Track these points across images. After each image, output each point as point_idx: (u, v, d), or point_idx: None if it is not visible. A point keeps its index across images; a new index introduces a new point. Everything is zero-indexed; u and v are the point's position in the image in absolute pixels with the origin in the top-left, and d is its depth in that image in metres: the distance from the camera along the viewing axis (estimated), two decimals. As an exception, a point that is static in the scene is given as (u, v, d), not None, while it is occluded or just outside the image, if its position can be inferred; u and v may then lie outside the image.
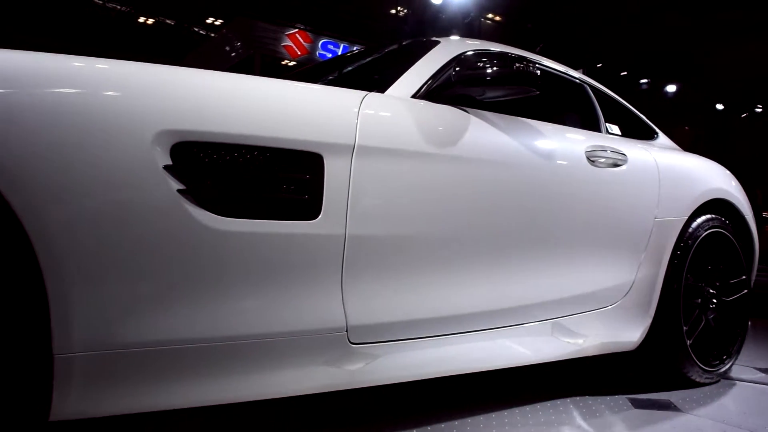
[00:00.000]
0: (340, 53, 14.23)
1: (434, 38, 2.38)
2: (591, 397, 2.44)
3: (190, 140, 1.38)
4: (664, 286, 2.58)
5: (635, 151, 2.66)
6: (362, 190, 1.61)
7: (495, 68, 1.93)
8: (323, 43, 14.59)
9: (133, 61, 1.45)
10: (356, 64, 2.70)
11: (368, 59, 2.71)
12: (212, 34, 19.48)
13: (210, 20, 19.93)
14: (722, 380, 2.81)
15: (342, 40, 14.97)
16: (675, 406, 2.38)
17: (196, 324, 1.39)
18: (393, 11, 17.75)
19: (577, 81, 2.88)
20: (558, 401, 2.36)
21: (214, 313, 1.40)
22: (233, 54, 15.61)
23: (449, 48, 2.23)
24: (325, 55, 14.36)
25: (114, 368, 1.33)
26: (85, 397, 1.31)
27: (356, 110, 1.67)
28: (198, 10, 19.37)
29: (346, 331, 1.60)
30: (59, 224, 1.23)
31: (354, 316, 1.61)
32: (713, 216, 2.81)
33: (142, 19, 19.99)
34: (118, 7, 19.29)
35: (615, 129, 2.86)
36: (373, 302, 1.66)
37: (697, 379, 2.67)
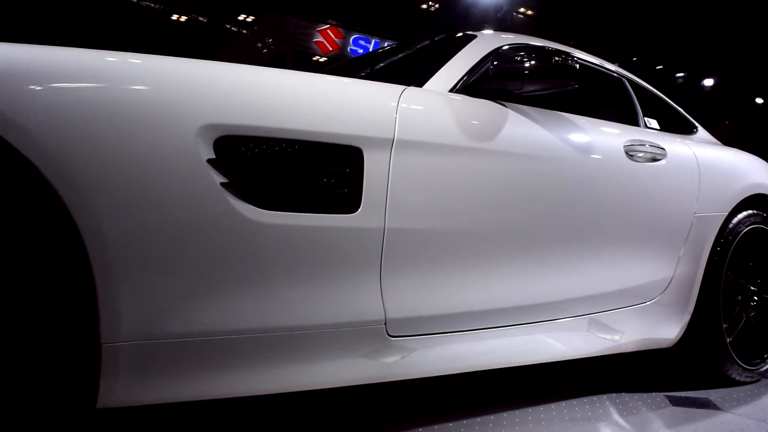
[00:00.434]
0: (371, 49, 14.24)
1: (470, 32, 2.37)
2: (627, 394, 2.41)
3: (232, 134, 1.40)
4: (704, 282, 2.54)
5: (674, 145, 2.62)
6: (401, 183, 1.62)
7: (533, 62, 1.92)
8: (354, 38, 14.60)
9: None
10: (392, 59, 2.71)
11: (403, 54, 2.71)
12: (244, 31, 19.64)
13: (242, 17, 20.11)
14: (763, 379, 2.76)
15: (373, 35, 14.97)
16: (714, 404, 2.35)
17: (239, 315, 1.41)
18: (424, 6, 17.70)
19: (615, 75, 2.85)
20: (594, 397, 2.35)
21: (256, 305, 1.43)
22: (265, 50, 15.72)
23: (486, 42, 2.22)
24: (356, 50, 14.38)
25: (159, 358, 1.35)
26: (131, 386, 1.34)
27: (395, 104, 1.68)
28: (230, 6, 19.56)
29: (385, 323, 1.62)
30: (107, 218, 1.26)
31: (392, 308, 1.62)
32: (755, 212, 2.76)
33: (175, 17, 20.24)
34: (152, 5, 19.57)
35: (653, 123, 2.83)
36: (412, 295, 1.67)
37: (737, 378, 2.62)
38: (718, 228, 2.59)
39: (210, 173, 1.35)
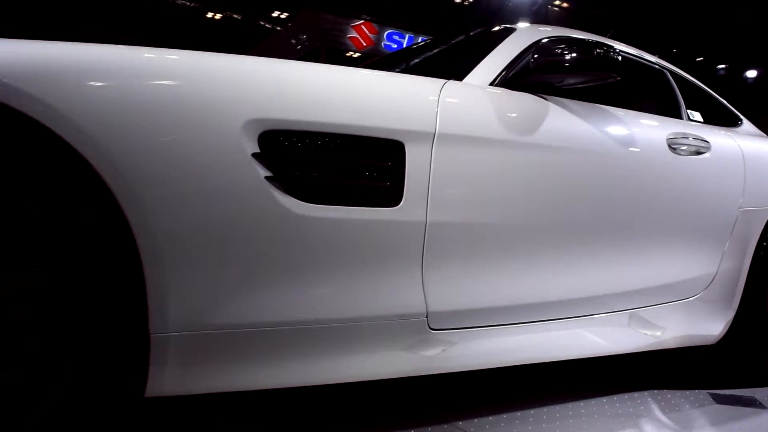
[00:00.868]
0: (405, 44, 14.21)
1: (509, 26, 2.36)
2: (669, 391, 2.38)
3: (276, 129, 1.42)
4: (749, 278, 2.48)
5: (719, 138, 2.57)
6: (442, 177, 1.62)
7: (575, 54, 1.91)
8: (388, 33, 14.59)
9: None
10: (429, 54, 2.71)
11: (440, 49, 2.71)
12: (278, 28, 19.78)
13: (276, 14, 20.24)
14: (811, 378, 2.69)
15: (407, 30, 14.94)
16: (760, 403, 2.30)
17: (283, 307, 1.43)
18: (459, 0, 17.60)
19: (656, 67, 2.80)
20: (635, 394, 2.32)
21: (300, 297, 1.45)
22: (299, 47, 15.81)
23: (526, 35, 2.21)
24: (390, 46, 14.36)
25: (205, 349, 1.38)
26: (179, 376, 1.37)
27: (436, 98, 1.68)
28: (264, 3, 19.70)
29: (427, 316, 1.62)
30: (156, 211, 1.29)
31: (434, 302, 1.63)
32: (803, 206, 2.68)
33: (210, 15, 20.48)
34: (188, 3, 19.82)
35: (697, 116, 2.77)
36: (453, 289, 1.67)
37: (784, 376, 2.56)
38: (764, 222, 2.53)
39: (255, 167, 1.38)
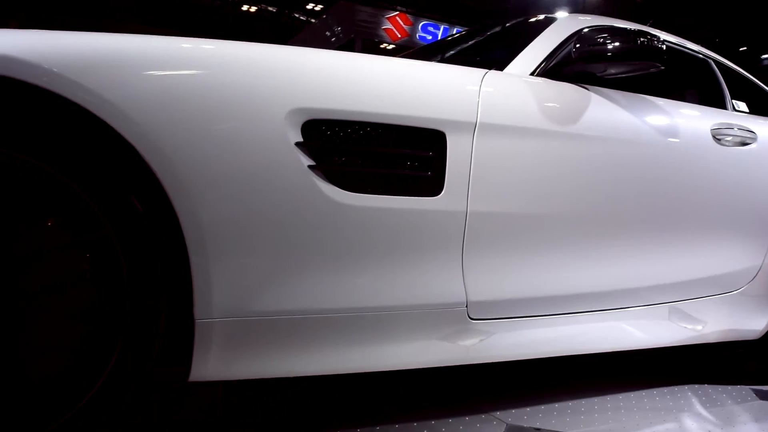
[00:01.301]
0: (440, 35, 14.12)
1: (549, 15, 2.34)
2: (710, 386, 2.35)
3: (319, 118, 1.43)
4: (796, 272, 2.42)
5: (765, 128, 2.51)
6: (483, 167, 1.62)
7: (617, 43, 1.89)
8: (423, 25, 14.52)
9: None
10: (468, 44, 2.70)
11: (479, 39, 2.70)
12: (312, 20, 19.83)
13: (310, 6, 20.29)
14: None
15: (442, 21, 14.85)
16: (805, 399, 2.25)
17: (325, 295, 1.45)
18: (493, -10, 17.41)
19: (701, 56, 2.74)
20: (675, 388, 2.29)
21: (341, 285, 1.46)
22: (333, 39, 15.84)
23: (567, 24, 2.18)
24: (425, 37, 14.29)
25: (248, 335, 1.41)
26: (222, 361, 1.39)
27: (477, 88, 1.68)
28: (299, -4, 19.77)
29: (466, 306, 1.63)
30: (202, 199, 1.31)
31: (474, 291, 1.63)
32: None
33: (245, 7, 20.62)
34: (224, -4, 19.98)
35: (742, 106, 2.71)
36: (493, 279, 1.67)
37: (831, 373, 2.50)
38: (812, 215, 2.47)
39: (298, 156, 1.39)
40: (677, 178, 2.11)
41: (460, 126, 1.60)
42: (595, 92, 1.97)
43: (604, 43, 1.91)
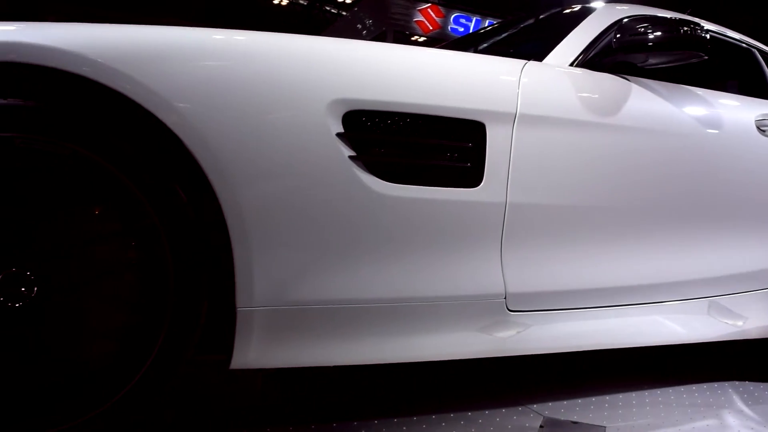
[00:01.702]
0: (472, 27, 14.02)
1: (588, 5, 2.31)
2: (752, 383, 2.30)
3: (360, 109, 1.44)
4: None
5: (812, 120, 2.44)
6: (523, 158, 1.61)
7: (659, 33, 1.86)
8: (455, 17, 14.40)
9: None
10: (502, 36, 2.68)
11: (515, 30, 2.68)
12: (343, 13, 19.85)
13: (341, -1, 20.30)
14: None
15: (474, 13, 14.72)
16: None
17: (364, 285, 1.46)
18: (526, -19, 17.17)
19: (744, 45, 2.68)
20: (715, 384, 2.26)
21: (380, 276, 1.47)
22: (364, 32, 15.82)
23: (607, 14, 2.15)
24: (456, 29, 14.18)
25: (288, 324, 1.42)
26: (262, 349, 1.41)
27: (517, 79, 1.67)
28: (330, -11, 19.79)
29: (505, 298, 1.62)
30: (245, 189, 1.33)
31: (513, 283, 1.62)
32: None
33: (276, 1, 20.71)
34: (254, -11, 20.07)
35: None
36: (532, 270, 1.67)
37: None
38: None
39: (339, 146, 1.40)
40: (720, 170, 2.08)
41: (499, 117, 1.59)
42: (636, 83, 1.94)
43: (645, 33, 1.88)
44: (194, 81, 1.32)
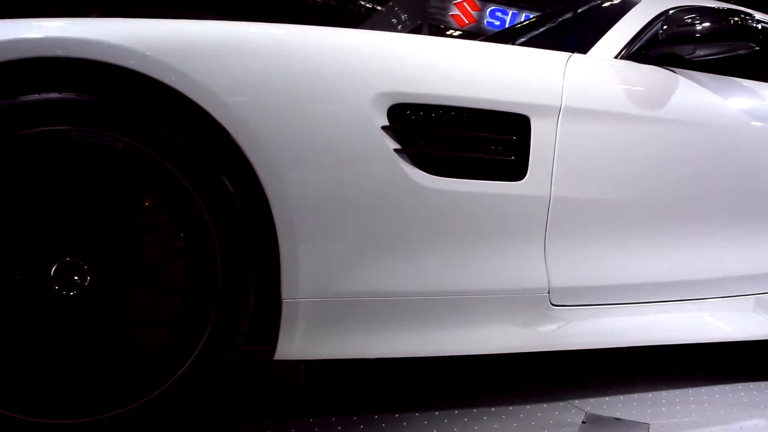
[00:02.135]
0: (508, 21, 13.88)
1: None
2: (801, 384, 2.24)
3: (405, 102, 1.45)
4: None
5: None
6: (567, 152, 1.60)
7: (707, 24, 1.82)
8: (491, 10, 14.28)
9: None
10: (541, 29, 2.66)
11: (552, 24, 2.66)
12: (379, 7, 19.83)
13: (377, -7, 20.27)
14: None
15: (510, 6, 14.58)
16: None
17: (408, 278, 1.47)
18: (563, -26, 16.93)
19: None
20: (762, 383, 2.20)
21: (424, 268, 1.48)
22: (399, 26, 15.79)
23: (652, 6, 2.11)
24: (492, 22, 14.07)
25: (332, 315, 1.44)
26: (306, 340, 1.43)
27: (561, 72, 1.66)
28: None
29: (548, 292, 1.61)
30: (291, 181, 1.35)
31: (556, 277, 1.62)
32: None
33: (311, -3, 20.77)
34: (291, -15, 20.16)
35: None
36: (575, 265, 1.66)
37: None
38: None
39: (384, 139, 1.41)
40: (769, 165, 2.03)
41: (544, 110, 1.58)
42: (682, 75, 1.91)
43: (693, 24, 1.85)
44: (243, 75, 1.34)
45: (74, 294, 1.28)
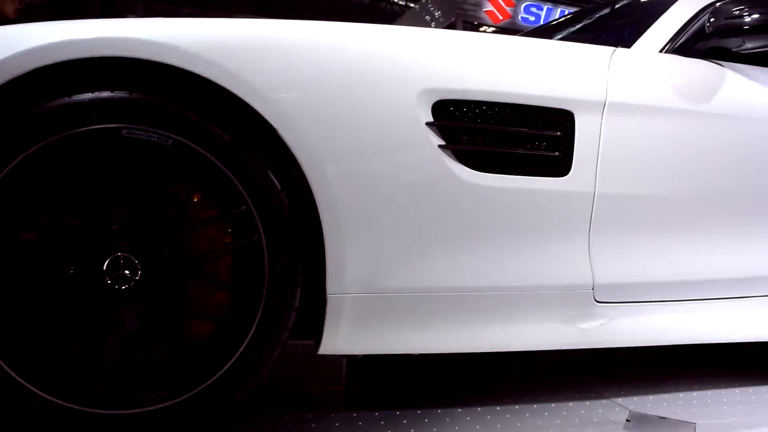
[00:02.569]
0: (543, 17, 13.75)
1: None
2: None
3: (449, 98, 1.45)
4: None
5: None
6: (612, 147, 1.59)
7: (757, 15, 1.78)
8: (526, 6, 14.16)
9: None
10: (579, 25, 2.63)
11: (590, 19, 2.62)
12: (412, 5, 19.80)
13: (410, -10, 20.24)
14: None
15: (545, 2, 14.43)
16: None
17: (451, 273, 1.47)
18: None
19: None
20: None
21: (468, 264, 1.48)
22: (433, 23, 15.75)
23: (697, -2, 2.07)
24: (527, 18, 13.94)
25: (376, 310, 1.45)
26: (350, 335, 1.44)
27: (606, 66, 1.64)
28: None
29: (593, 288, 1.60)
30: (336, 176, 1.36)
31: (601, 274, 1.60)
32: None
33: (345, -5, 20.83)
34: (324, -17, 20.25)
35: None
36: (620, 261, 1.64)
37: None
38: None
39: (428, 135, 1.42)
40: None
41: (588, 105, 1.57)
42: (730, 68, 1.86)
43: (741, 16, 1.80)
44: (290, 73, 1.35)
45: (126, 288, 1.31)
